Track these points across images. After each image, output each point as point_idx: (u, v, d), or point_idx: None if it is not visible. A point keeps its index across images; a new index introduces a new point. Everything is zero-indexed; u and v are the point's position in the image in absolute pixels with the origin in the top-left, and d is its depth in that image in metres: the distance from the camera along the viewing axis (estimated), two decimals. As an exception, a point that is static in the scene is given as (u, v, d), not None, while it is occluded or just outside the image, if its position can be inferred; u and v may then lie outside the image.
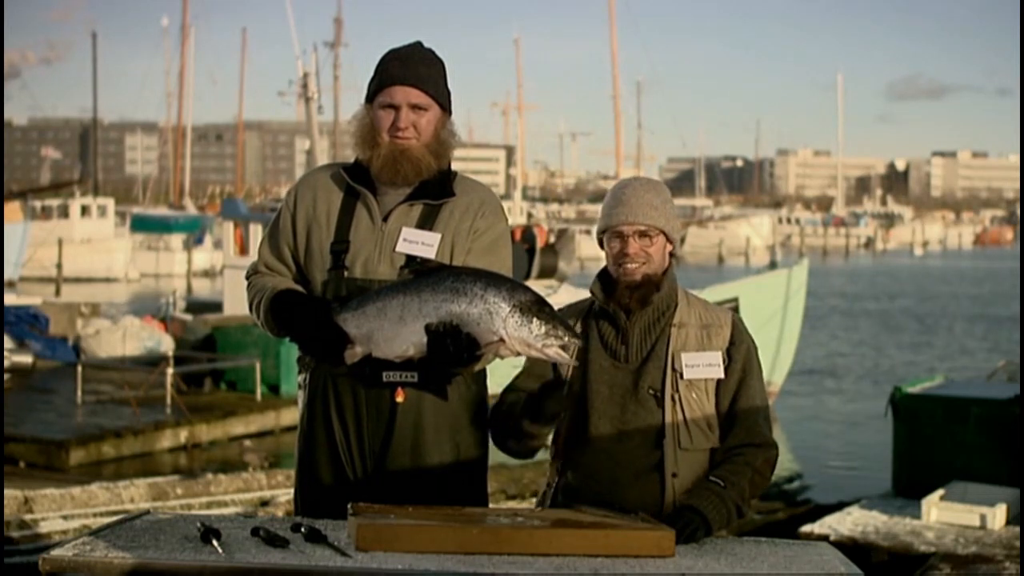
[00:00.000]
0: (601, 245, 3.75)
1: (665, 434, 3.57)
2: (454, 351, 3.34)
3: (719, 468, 3.56)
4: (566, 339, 3.33)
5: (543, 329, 3.32)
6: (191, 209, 63.55)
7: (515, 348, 3.34)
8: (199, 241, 53.15)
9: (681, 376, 3.60)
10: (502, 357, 3.44)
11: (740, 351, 3.65)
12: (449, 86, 3.73)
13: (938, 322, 36.44)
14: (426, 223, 3.63)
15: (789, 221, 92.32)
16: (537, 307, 3.34)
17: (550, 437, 3.72)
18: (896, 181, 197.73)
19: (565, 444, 3.67)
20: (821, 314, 36.55)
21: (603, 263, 3.77)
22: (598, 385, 3.63)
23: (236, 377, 18.57)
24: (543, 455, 3.77)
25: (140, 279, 49.27)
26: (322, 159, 23.91)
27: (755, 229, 76.21)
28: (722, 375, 3.62)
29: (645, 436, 3.59)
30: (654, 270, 3.65)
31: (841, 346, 30.33)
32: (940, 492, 10.52)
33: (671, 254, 3.72)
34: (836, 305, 41.11)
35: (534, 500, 4.02)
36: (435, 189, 3.66)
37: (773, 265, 22.64)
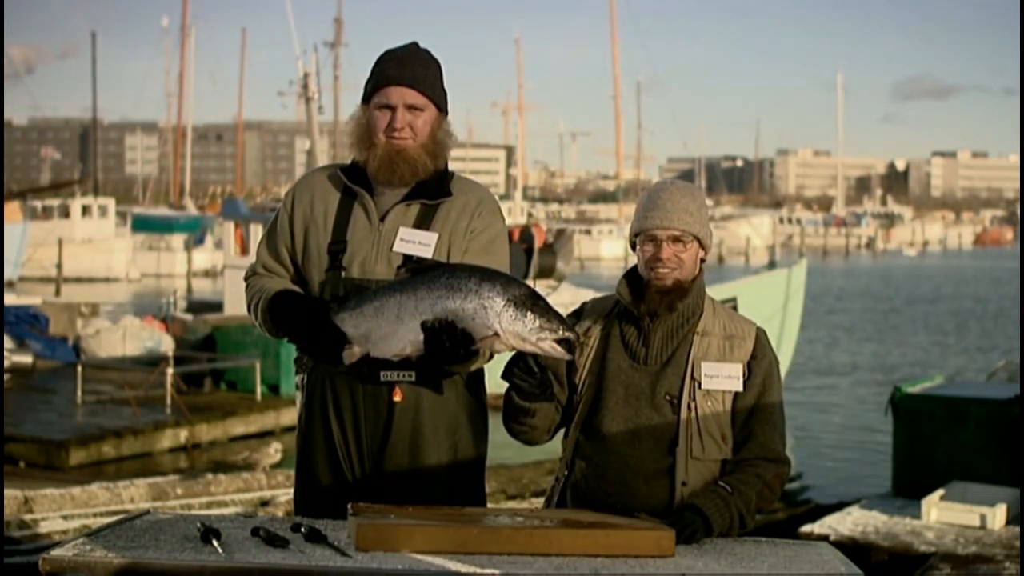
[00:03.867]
0: (633, 248, 3.71)
1: (678, 441, 3.55)
2: (450, 346, 3.34)
3: (729, 476, 3.55)
4: (560, 332, 3.32)
5: (537, 323, 3.32)
6: (191, 209, 63.61)
7: (510, 342, 3.34)
8: (200, 241, 53.21)
9: (699, 385, 3.57)
10: (498, 351, 3.44)
11: (761, 365, 3.62)
12: (445, 86, 3.73)
13: (977, 323, 36.20)
14: (423, 223, 3.63)
15: (790, 221, 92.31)
16: (531, 301, 3.34)
17: (551, 429, 3.68)
18: (896, 181, 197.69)
19: (577, 440, 3.65)
20: (831, 315, 36.53)
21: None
22: (614, 385, 3.61)
23: (236, 377, 18.57)
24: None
25: (141, 279, 49.31)
26: (322, 159, 23.92)
27: (755, 229, 76.17)
28: (741, 388, 3.58)
29: (657, 441, 3.56)
30: (685, 276, 3.61)
31: (847, 346, 30.33)
32: (940, 492, 10.51)
33: (702, 260, 3.68)
34: (844, 306, 41.03)
35: (534, 500, 4.00)
36: (432, 189, 3.66)
37: (772, 265, 22.62)
